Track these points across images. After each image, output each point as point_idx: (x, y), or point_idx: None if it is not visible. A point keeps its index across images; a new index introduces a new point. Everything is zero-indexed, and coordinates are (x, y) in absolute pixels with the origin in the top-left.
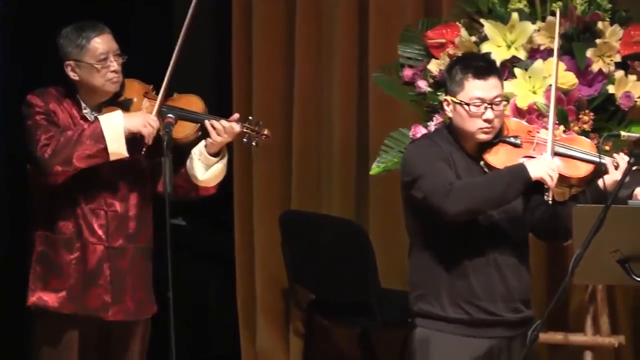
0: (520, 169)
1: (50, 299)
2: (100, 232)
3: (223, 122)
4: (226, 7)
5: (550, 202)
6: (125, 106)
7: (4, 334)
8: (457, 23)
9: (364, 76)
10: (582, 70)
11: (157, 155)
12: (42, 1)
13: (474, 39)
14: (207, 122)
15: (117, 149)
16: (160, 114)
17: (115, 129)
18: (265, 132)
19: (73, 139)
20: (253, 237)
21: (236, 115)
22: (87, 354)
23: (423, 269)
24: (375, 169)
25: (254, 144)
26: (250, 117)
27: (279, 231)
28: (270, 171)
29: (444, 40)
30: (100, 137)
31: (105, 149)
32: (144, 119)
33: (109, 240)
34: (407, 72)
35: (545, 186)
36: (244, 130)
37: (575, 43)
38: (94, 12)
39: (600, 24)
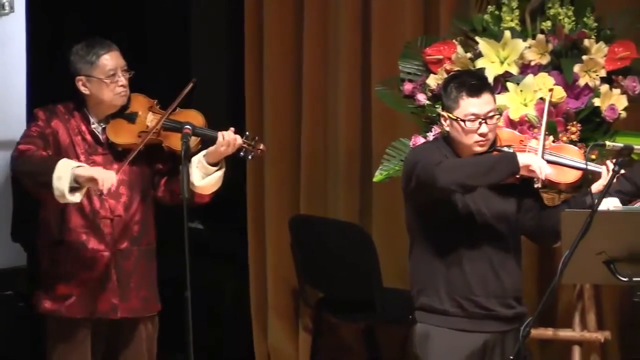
0: (511, 155)
1: (60, 306)
2: (107, 239)
3: (227, 133)
4: (239, 23)
5: (539, 187)
6: (131, 119)
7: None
8: (454, 40)
9: (367, 89)
10: (569, 85)
11: (158, 163)
12: (63, 20)
13: (469, 55)
14: (219, 134)
15: (59, 189)
16: (167, 128)
17: (62, 172)
18: (261, 147)
19: (36, 162)
20: (265, 239)
21: (231, 129)
22: (98, 349)
23: (423, 266)
24: (378, 176)
25: (249, 157)
26: (248, 132)
27: (289, 234)
28: (280, 178)
29: (441, 57)
30: (50, 174)
31: (51, 188)
32: (101, 171)
33: (114, 244)
34: (407, 86)
35: (534, 177)
36: (242, 144)
37: (564, 59)
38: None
39: (586, 42)
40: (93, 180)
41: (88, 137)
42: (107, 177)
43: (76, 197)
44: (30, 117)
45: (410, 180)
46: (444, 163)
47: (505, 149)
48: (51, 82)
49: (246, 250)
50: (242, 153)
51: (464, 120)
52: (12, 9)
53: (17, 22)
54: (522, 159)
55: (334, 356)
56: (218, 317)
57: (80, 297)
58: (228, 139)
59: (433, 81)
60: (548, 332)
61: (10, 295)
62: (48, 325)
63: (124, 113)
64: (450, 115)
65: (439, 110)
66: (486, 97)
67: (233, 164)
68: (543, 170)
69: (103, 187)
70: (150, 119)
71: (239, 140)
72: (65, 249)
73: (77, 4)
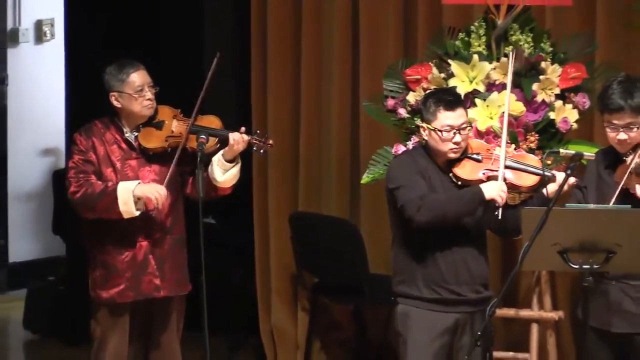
0: (477, 191)
1: (113, 294)
2: (144, 230)
3: (237, 134)
4: (246, 42)
5: (499, 217)
6: (159, 126)
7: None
8: (430, 63)
9: (356, 104)
10: (529, 100)
11: (186, 165)
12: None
13: (443, 75)
14: (230, 135)
15: (127, 211)
16: (191, 132)
17: (125, 198)
18: (270, 141)
19: (97, 195)
20: (268, 232)
21: (242, 129)
22: (134, 326)
23: (403, 258)
24: (365, 178)
25: (261, 151)
26: (258, 131)
27: (289, 228)
28: (281, 179)
29: (419, 77)
30: (115, 205)
31: (119, 212)
32: (153, 189)
33: (151, 235)
34: (390, 102)
35: (496, 204)
36: (253, 140)
37: (524, 79)
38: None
39: (543, 64)
40: (149, 199)
41: (123, 145)
42: (160, 196)
43: (138, 212)
44: (72, 143)
45: (393, 194)
46: (423, 207)
47: (475, 155)
48: (87, 97)
49: (252, 241)
50: (254, 148)
51: (441, 131)
52: (52, 36)
53: (57, 47)
54: (487, 192)
55: (328, 332)
56: (228, 298)
57: (128, 283)
58: (238, 137)
59: (412, 98)
60: (510, 312)
61: (53, 281)
62: (95, 308)
63: (152, 122)
64: (429, 126)
65: (418, 122)
66: (460, 111)
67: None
68: (504, 197)
69: (158, 204)
70: (175, 125)
71: (246, 137)
72: (111, 243)
73: (106, 29)
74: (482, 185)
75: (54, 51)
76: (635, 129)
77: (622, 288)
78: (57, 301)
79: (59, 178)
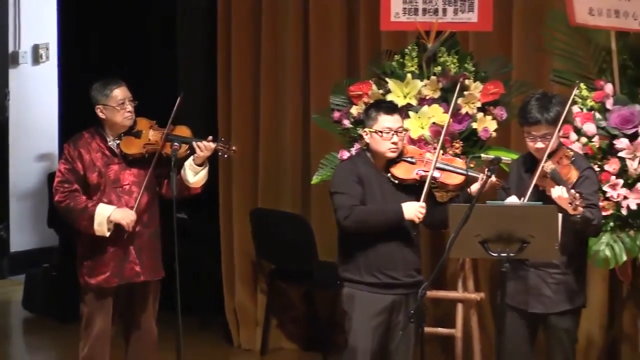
0: (399, 211)
1: (99, 280)
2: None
3: (204, 142)
4: (214, 64)
5: (414, 233)
6: (138, 135)
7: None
8: (370, 81)
9: (307, 116)
10: (454, 113)
11: (161, 168)
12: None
13: (381, 91)
14: (194, 144)
15: (100, 230)
16: (166, 140)
17: (100, 220)
18: (233, 147)
19: (77, 210)
20: (232, 226)
21: (210, 137)
22: (117, 308)
23: (347, 248)
24: (315, 179)
25: (225, 156)
26: (223, 138)
27: (250, 222)
28: (244, 180)
29: (361, 92)
30: (91, 223)
31: (93, 230)
32: (125, 215)
33: (132, 230)
34: (336, 114)
35: (414, 223)
36: (218, 147)
37: (450, 94)
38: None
39: (467, 81)
40: (121, 224)
41: (107, 152)
42: (130, 221)
43: (109, 232)
44: (61, 151)
45: (331, 198)
46: (350, 216)
47: (409, 158)
48: (76, 110)
49: (218, 233)
50: (220, 153)
51: (381, 132)
52: (47, 58)
53: (52, 68)
54: (406, 213)
55: (283, 312)
56: (197, 282)
57: (112, 271)
58: (204, 145)
59: (355, 110)
60: (439, 294)
61: (48, 267)
62: (83, 292)
63: (132, 131)
64: (371, 130)
65: (360, 131)
66: (397, 116)
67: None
68: (420, 217)
69: (129, 228)
70: (152, 134)
71: (212, 145)
72: (98, 237)
73: (93, 53)
74: (403, 206)
75: (49, 71)
76: (550, 139)
77: (539, 275)
78: (51, 285)
79: (52, 179)
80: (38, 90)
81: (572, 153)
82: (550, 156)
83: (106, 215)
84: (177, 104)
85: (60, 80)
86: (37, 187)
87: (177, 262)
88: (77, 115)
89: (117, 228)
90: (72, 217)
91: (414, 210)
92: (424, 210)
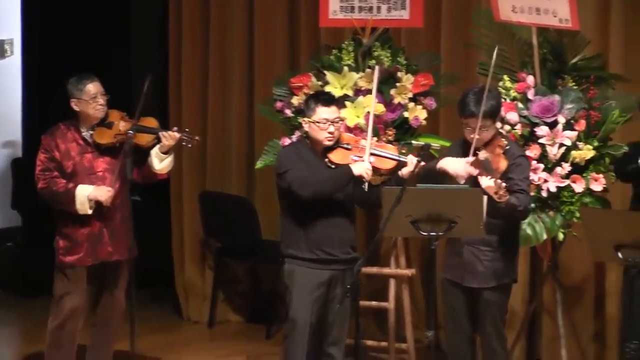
0: (348, 169)
1: (75, 258)
2: (99, 209)
3: (169, 132)
4: (166, 65)
5: (366, 189)
6: (109, 126)
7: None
8: (310, 73)
9: (251, 106)
10: (388, 103)
11: (131, 156)
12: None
13: (320, 83)
14: (161, 133)
15: (82, 209)
16: (136, 131)
17: (82, 200)
18: (196, 137)
19: (60, 193)
20: (182, 207)
21: (175, 128)
22: (91, 286)
23: (288, 227)
24: (259, 164)
25: (189, 145)
26: (187, 129)
27: (199, 203)
28: (193, 165)
29: (301, 84)
30: (73, 204)
31: (76, 209)
32: (103, 191)
33: (104, 213)
34: (279, 104)
35: (363, 180)
36: (183, 137)
37: (383, 86)
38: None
39: (399, 74)
40: (99, 200)
41: (80, 141)
42: (108, 197)
43: (90, 210)
44: (40, 143)
45: (281, 177)
46: (305, 184)
47: (345, 145)
48: (39, 101)
49: (169, 214)
50: (184, 143)
51: (319, 122)
52: (12, 52)
53: (16, 61)
54: (355, 170)
55: (229, 286)
56: (150, 259)
57: (87, 250)
58: (168, 134)
59: (296, 101)
60: (373, 269)
61: (11, 246)
62: (58, 270)
63: (104, 123)
64: (310, 120)
65: (300, 120)
66: (334, 108)
67: None
68: (369, 174)
69: (107, 203)
70: (123, 125)
71: (177, 135)
72: (74, 219)
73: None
74: (351, 165)
75: (14, 64)
76: (485, 131)
77: (473, 252)
78: (14, 262)
79: (16, 165)
80: (3, 82)
81: (506, 142)
82: (485, 145)
83: (86, 194)
84: (145, 87)
85: (23, 74)
86: (1, 172)
87: (133, 240)
88: (39, 106)
89: (97, 206)
90: (56, 200)
91: (362, 167)
92: (370, 170)
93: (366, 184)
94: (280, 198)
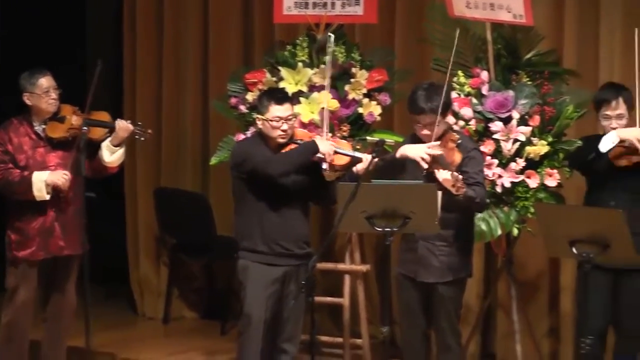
0: (313, 143)
1: (27, 253)
2: (51, 202)
3: (123, 122)
4: (121, 58)
5: (327, 173)
6: (62, 120)
7: None
8: (264, 69)
9: (206, 102)
10: (342, 99)
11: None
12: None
13: (274, 79)
14: (116, 122)
15: (40, 195)
16: (88, 124)
17: (39, 186)
18: (149, 131)
19: (15, 183)
20: (137, 203)
21: (128, 121)
22: (41, 280)
23: (244, 222)
24: (213, 160)
25: (142, 139)
26: (140, 123)
27: (153, 199)
28: (147, 161)
29: (256, 80)
30: (30, 191)
31: (33, 196)
32: (60, 175)
33: (57, 206)
34: (233, 100)
35: (323, 166)
36: (135, 130)
37: (338, 82)
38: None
39: (353, 70)
40: (58, 184)
41: (33, 136)
42: (65, 180)
43: (48, 196)
44: None
45: (242, 165)
46: (272, 162)
47: (299, 141)
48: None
49: (124, 210)
50: (137, 136)
51: (272, 120)
52: None
53: None
54: (320, 146)
55: (184, 282)
56: (104, 256)
57: (38, 244)
58: (123, 126)
59: (250, 97)
60: (329, 265)
61: None
62: (10, 264)
63: (56, 117)
64: (263, 117)
65: (255, 116)
66: (287, 105)
67: None
68: (331, 153)
69: (65, 187)
70: (75, 119)
71: (130, 126)
72: (25, 213)
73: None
74: (316, 139)
75: None
76: (435, 127)
77: (428, 247)
78: None
79: None
80: None
81: (458, 137)
82: (437, 139)
83: (43, 179)
84: (95, 75)
85: None
86: None
87: (85, 237)
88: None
89: (54, 194)
90: (11, 190)
91: (327, 144)
92: (333, 150)
93: (327, 165)
94: (235, 193)
